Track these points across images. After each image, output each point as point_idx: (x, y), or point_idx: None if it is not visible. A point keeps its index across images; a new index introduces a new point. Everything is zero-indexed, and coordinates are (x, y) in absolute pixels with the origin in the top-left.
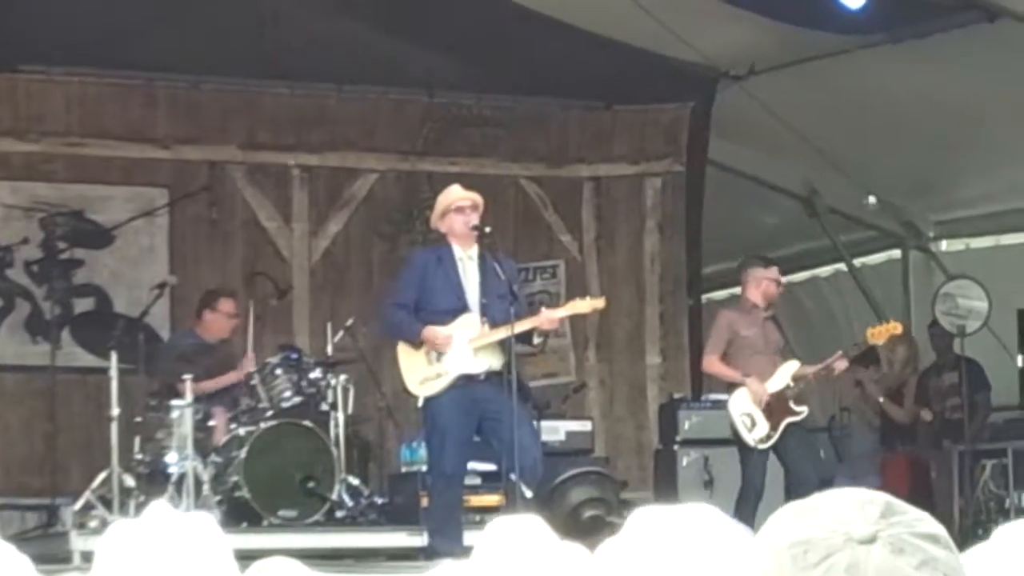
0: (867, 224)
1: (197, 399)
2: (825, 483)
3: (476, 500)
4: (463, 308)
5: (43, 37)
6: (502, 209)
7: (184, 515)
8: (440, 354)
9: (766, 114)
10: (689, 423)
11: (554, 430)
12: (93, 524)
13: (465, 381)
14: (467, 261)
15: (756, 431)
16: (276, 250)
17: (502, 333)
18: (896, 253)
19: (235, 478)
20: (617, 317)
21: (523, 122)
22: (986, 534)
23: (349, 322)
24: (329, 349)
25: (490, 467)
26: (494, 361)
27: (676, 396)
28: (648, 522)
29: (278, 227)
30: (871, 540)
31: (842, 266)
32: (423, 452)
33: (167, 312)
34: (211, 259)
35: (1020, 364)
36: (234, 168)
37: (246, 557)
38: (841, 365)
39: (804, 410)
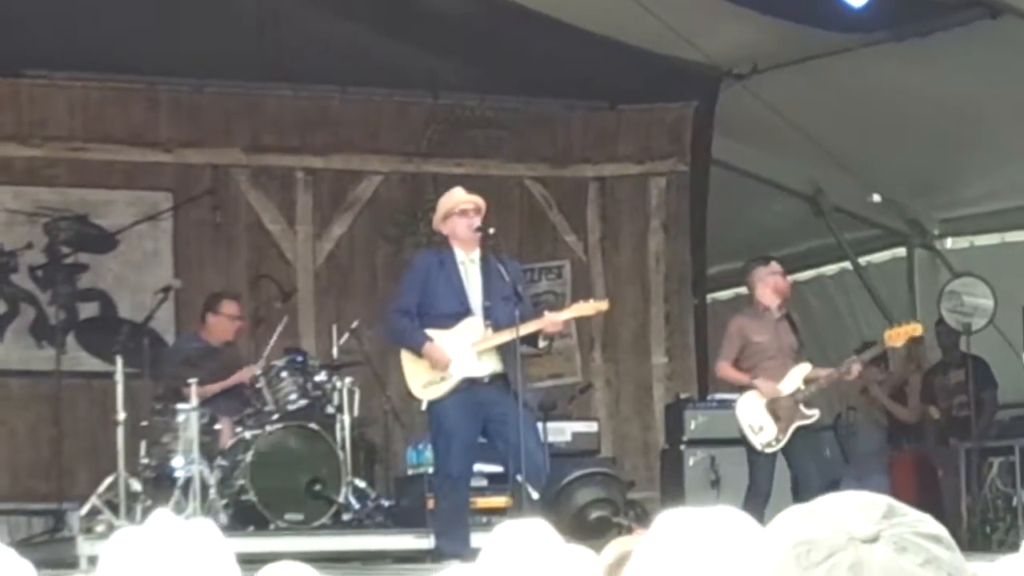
0: (872, 222)
1: (203, 402)
2: (832, 483)
3: (483, 502)
4: (466, 312)
5: (45, 42)
6: (507, 210)
7: (187, 522)
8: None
9: (769, 113)
10: (696, 423)
11: (560, 431)
12: (100, 529)
13: (469, 384)
14: (469, 264)
15: (763, 435)
16: (280, 253)
17: (506, 336)
18: (901, 251)
19: (241, 482)
20: (622, 317)
21: (527, 123)
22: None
23: (354, 324)
24: (334, 352)
25: (496, 469)
26: (498, 364)
27: (682, 396)
28: (674, 526)
29: (282, 230)
30: (874, 539)
31: (847, 265)
32: (429, 454)
33: (172, 316)
34: (215, 263)
35: None
36: (238, 171)
37: (253, 561)
38: (856, 369)
39: (815, 414)
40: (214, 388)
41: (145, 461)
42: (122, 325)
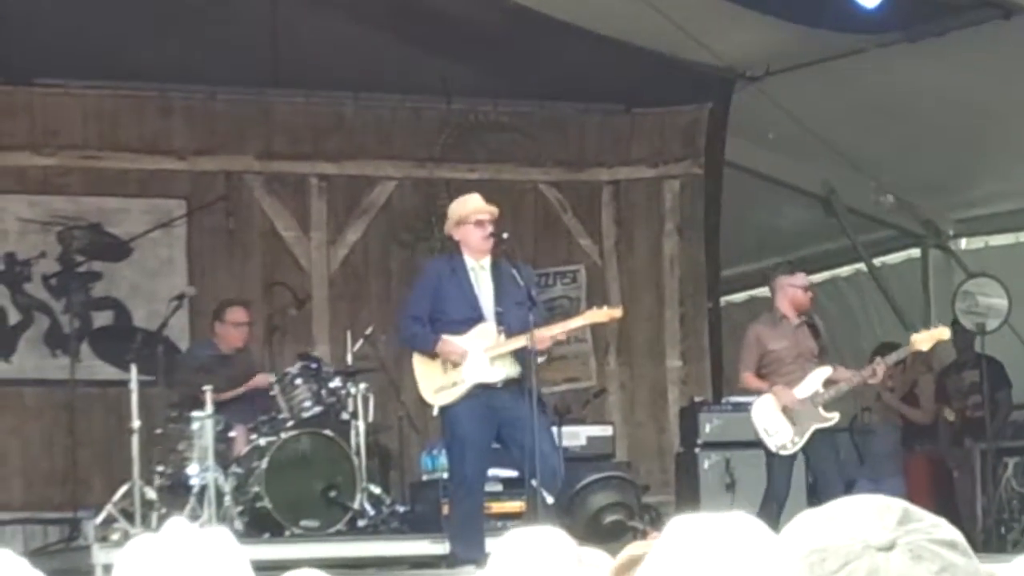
0: (886, 223)
1: (217, 410)
2: (847, 485)
3: (498, 507)
4: (478, 318)
5: (58, 51)
6: (522, 214)
7: (202, 530)
8: (456, 363)
9: (783, 115)
10: (710, 426)
11: (575, 435)
12: (115, 537)
13: (482, 389)
14: (480, 270)
15: (777, 438)
16: (294, 260)
17: (519, 342)
18: (915, 252)
19: (256, 489)
20: (637, 321)
21: (541, 127)
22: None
23: (368, 330)
24: (349, 358)
25: (511, 473)
26: (511, 369)
27: (697, 399)
28: (686, 531)
29: (296, 236)
30: (890, 547)
31: (861, 266)
32: (444, 460)
33: (186, 323)
34: (229, 270)
35: None
36: (251, 178)
37: (269, 568)
38: (880, 371)
39: (834, 417)
40: (229, 395)
41: (160, 469)
42: (136, 333)
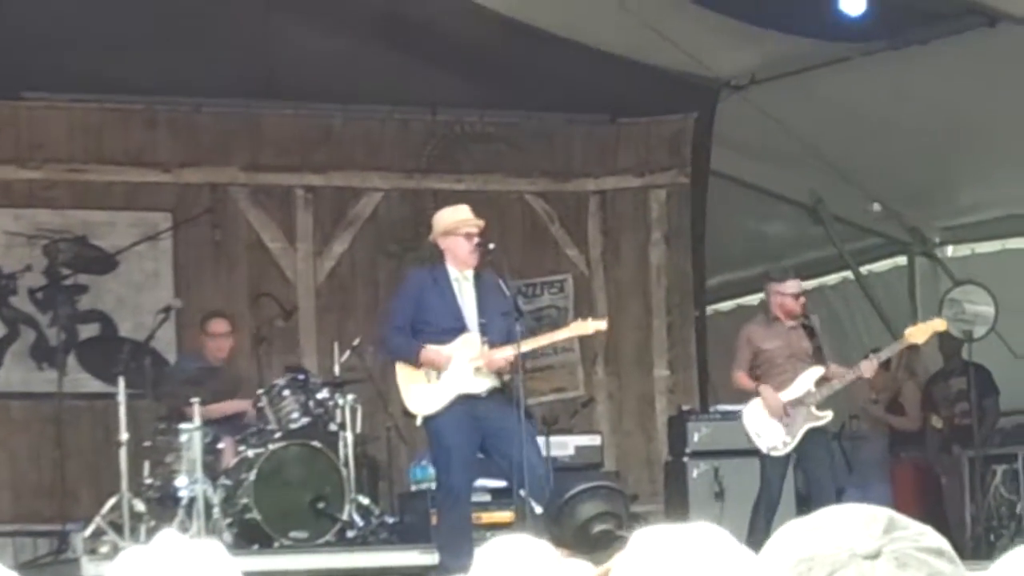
0: (872, 231)
1: (205, 422)
2: (836, 492)
3: (487, 517)
4: (461, 328)
5: (44, 64)
6: (509, 225)
7: (193, 542)
8: (439, 373)
9: (769, 124)
10: (699, 435)
11: (563, 445)
12: (104, 549)
13: (465, 399)
14: (463, 281)
15: (767, 439)
16: (281, 271)
17: (503, 352)
18: (902, 260)
19: (245, 500)
20: (624, 330)
21: (527, 138)
22: (998, 539)
23: (356, 342)
24: (336, 369)
25: (500, 484)
26: (495, 379)
27: (685, 408)
28: (652, 542)
29: (282, 248)
30: (875, 555)
31: (848, 274)
32: (432, 470)
33: (172, 336)
34: (215, 282)
35: None
36: (237, 190)
37: None
38: (872, 367)
39: (827, 415)
40: (215, 412)
41: (148, 481)
42: (123, 345)
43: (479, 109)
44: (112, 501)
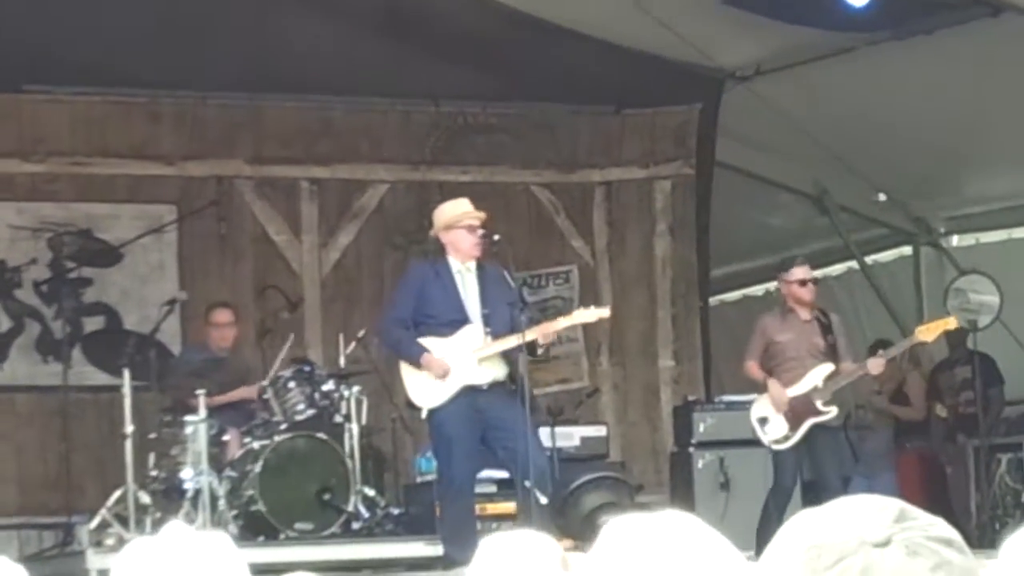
0: (878, 221)
1: (211, 414)
2: (843, 482)
3: (492, 508)
4: (463, 320)
5: (46, 57)
6: (514, 216)
7: (200, 534)
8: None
9: (773, 114)
10: (704, 425)
11: (568, 436)
12: (110, 542)
13: (468, 391)
14: (465, 273)
15: (770, 432)
16: (286, 264)
17: (507, 343)
18: (907, 250)
19: (250, 492)
20: (629, 321)
21: (531, 129)
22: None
23: (361, 333)
24: (342, 361)
25: (505, 475)
26: (498, 371)
27: (691, 398)
28: (623, 533)
29: (288, 240)
30: (885, 543)
31: (854, 264)
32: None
33: (177, 328)
34: (220, 274)
35: None
36: (242, 183)
37: (264, 571)
38: (880, 365)
39: (832, 411)
40: (220, 400)
41: (154, 473)
42: (129, 338)
43: (482, 100)
44: (117, 493)
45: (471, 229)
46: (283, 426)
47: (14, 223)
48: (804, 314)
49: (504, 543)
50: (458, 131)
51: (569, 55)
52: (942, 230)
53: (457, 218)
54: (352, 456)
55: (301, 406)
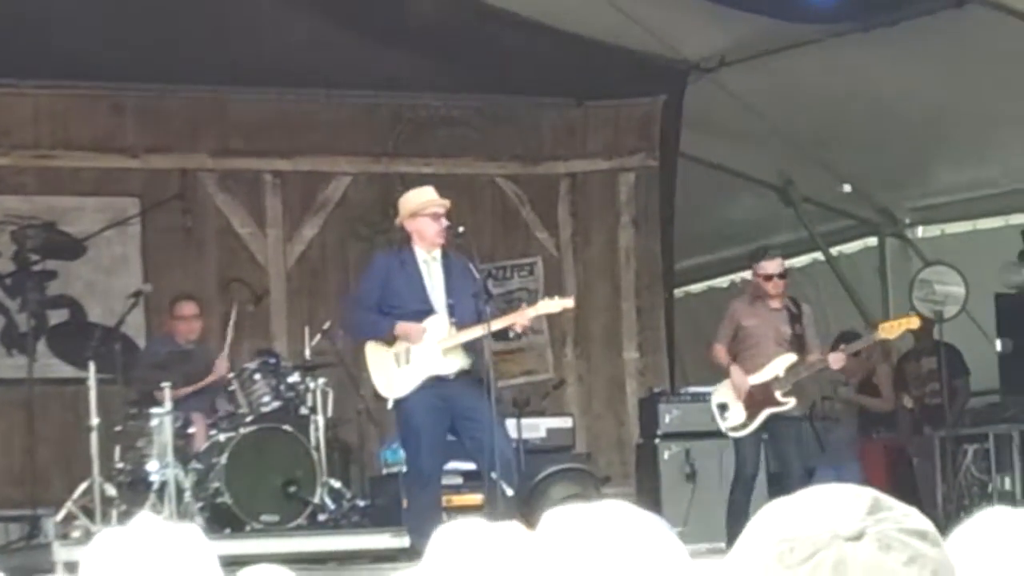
0: (843, 212)
1: (177, 405)
2: (807, 473)
3: (458, 499)
4: (428, 310)
5: (10, 50)
6: (478, 208)
7: (171, 525)
8: (409, 356)
9: (738, 106)
10: (670, 416)
11: (534, 427)
12: (76, 534)
13: (435, 381)
14: (431, 263)
15: (729, 419)
16: (251, 256)
17: (473, 332)
18: (872, 241)
19: (216, 484)
20: (594, 313)
21: (494, 121)
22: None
23: (326, 325)
24: (307, 353)
25: (471, 466)
26: (464, 361)
27: (656, 390)
28: (560, 523)
29: (252, 233)
30: (858, 537)
31: (819, 255)
32: (403, 453)
33: (142, 321)
34: (184, 267)
35: (999, 348)
36: (206, 175)
37: (230, 563)
38: (840, 359)
39: (789, 402)
40: (187, 389)
41: (120, 466)
42: (94, 330)
43: (445, 93)
44: (83, 486)
45: (435, 217)
46: (249, 418)
47: None
48: (774, 302)
49: (459, 532)
50: (421, 123)
51: (532, 47)
52: (907, 221)
53: (422, 205)
54: (318, 448)
55: (267, 398)
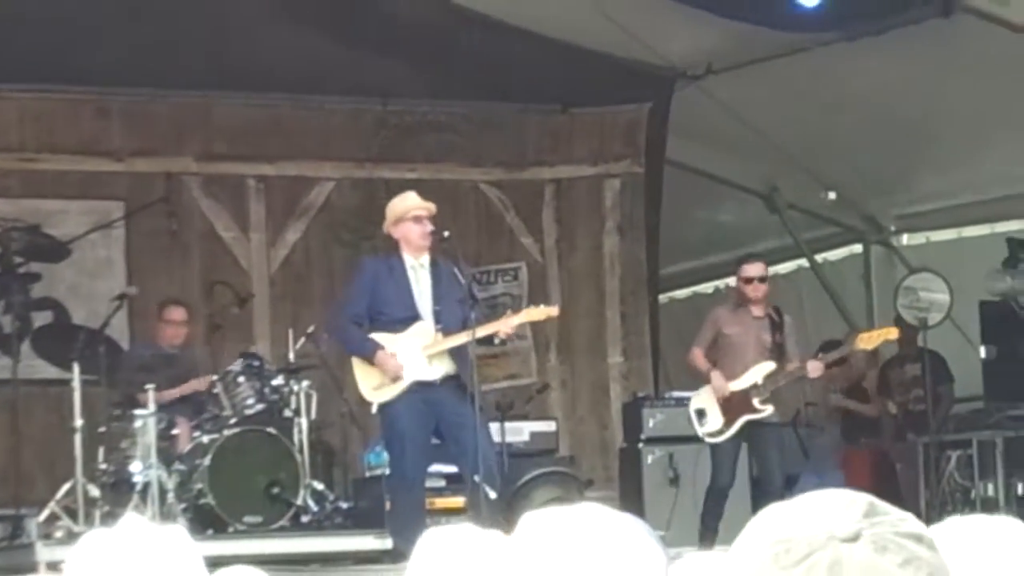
0: (828, 220)
1: (160, 408)
2: (791, 480)
3: (441, 502)
4: (415, 317)
5: None
6: (462, 213)
7: (157, 527)
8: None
9: (725, 113)
10: (653, 421)
11: (518, 431)
12: (59, 534)
13: (420, 386)
14: (419, 269)
15: (706, 425)
16: (235, 260)
17: (458, 339)
18: (857, 248)
19: (199, 486)
20: (578, 318)
21: (479, 127)
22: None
23: (311, 329)
24: (291, 355)
25: (454, 470)
26: (449, 366)
27: (640, 394)
28: (537, 525)
29: (235, 237)
30: (854, 538)
31: (804, 262)
32: (386, 456)
33: (125, 323)
34: (168, 270)
35: (983, 355)
36: (190, 179)
37: (213, 564)
38: (818, 368)
39: (767, 410)
40: (171, 394)
41: (103, 467)
42: (78, 332)
43: (430, 99)
44: (67, 486)
45: (417, 220)
46: (232, 420)
47: None
48: (756, 310)
49: (445, 536)
50: (406, 129)
51: (518, 53)
52: (892, 228)
53: (405, 210)
54: (301, 450)
55: (251, 400)
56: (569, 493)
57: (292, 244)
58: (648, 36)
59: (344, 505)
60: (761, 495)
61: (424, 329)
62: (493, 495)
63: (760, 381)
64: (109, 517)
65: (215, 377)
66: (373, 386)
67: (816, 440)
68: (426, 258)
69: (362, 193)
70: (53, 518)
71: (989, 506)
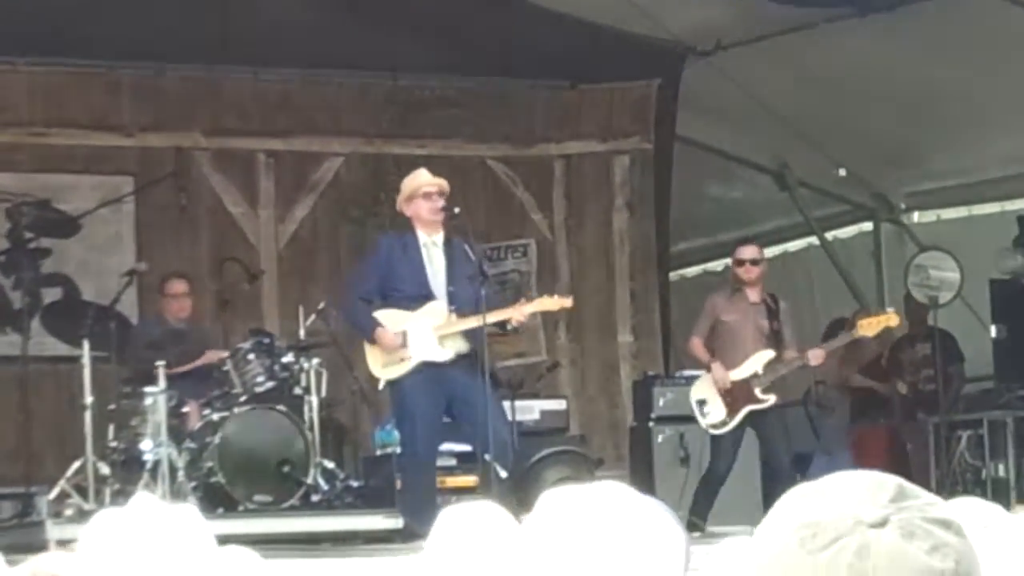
0: (838, 197)
1: (170, 385)
2: (803, 459)
3: (452, 481)
4: (428, 296)
5: (4, 27)
6: (472, 189)
7: (168, 506)
8: (406, 341)
9: (734, 89)
10: (664, 400)
11: (528, 409)
12: (69, 512)
13: (428, 366)
14: (432, 247)
15: (709, 416)
16: (243, 236)
17: (469, 323)
18: (868, 226)
19: (210, 464)
20: (587, 296)
21: (488, 103)
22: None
23: (321, 305)
24: (301, 333)
25: (465, 448)
26: (462, 346)
27: (650, 373)
28: (557, 503)
29: (244, 213)
30: (882, 524)
31: (814, 240)
32: (397, 434)
33: (135, 299)
34: (178, 246)
35: (993, 334)
36: (199, 154)
37: (223, 542)
38: (819, 356)
39: (769, 399)
40: (180, 369)
41: (113, 444)
42: (88, 308)
43: (439, 74)
44: (77, 464)
45: (428, 196)
46: (243, 398)
47: None
48: (752, 296)
49: (462, 514)
50: (415, 105)
51: (526, 28)
52: (903, 206)
53: (416, 187)
54: (312, 428)
55: (261, 378)
56: (580, 473)
57: (300, 220)
58: (658, 12)
59: (354, 484)
60: (770, 478)
61: (437, 309)
62: (504, 474)
63: (760, 371)
64: (119, 495)
65: (225, 355)
66: (381, 363)
67: (827, 420)
68: (440, 236)
69: (371, 169)
70: (63, 496)
71: (999, 486)
